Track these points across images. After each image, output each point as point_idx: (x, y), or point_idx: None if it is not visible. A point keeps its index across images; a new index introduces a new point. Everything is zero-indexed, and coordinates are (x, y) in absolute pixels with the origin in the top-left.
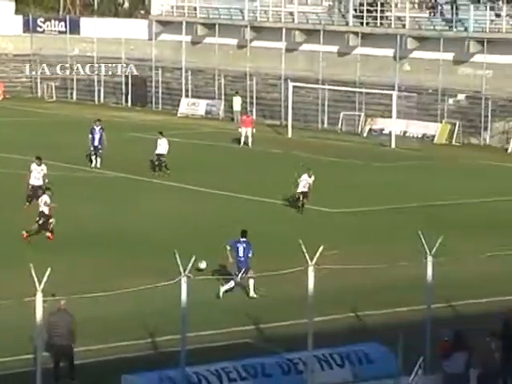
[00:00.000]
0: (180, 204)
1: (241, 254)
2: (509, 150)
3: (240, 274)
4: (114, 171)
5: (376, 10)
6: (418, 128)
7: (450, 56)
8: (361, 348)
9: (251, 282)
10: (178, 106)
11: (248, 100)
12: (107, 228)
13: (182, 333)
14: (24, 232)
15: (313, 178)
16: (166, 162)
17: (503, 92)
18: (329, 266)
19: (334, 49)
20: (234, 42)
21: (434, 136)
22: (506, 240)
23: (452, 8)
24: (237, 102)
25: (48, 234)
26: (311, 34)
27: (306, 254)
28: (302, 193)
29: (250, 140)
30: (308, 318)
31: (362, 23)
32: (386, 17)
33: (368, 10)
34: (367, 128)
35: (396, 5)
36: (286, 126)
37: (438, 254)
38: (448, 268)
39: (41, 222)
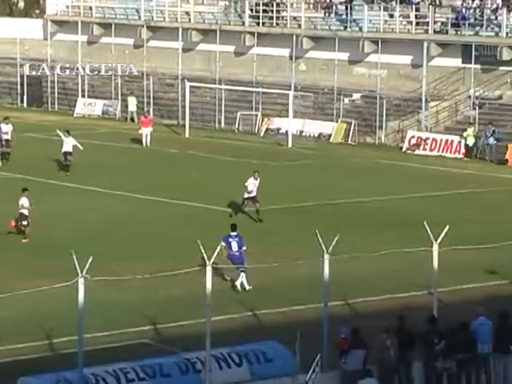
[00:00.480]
0: (79, 205)
1: (235, 248)
2: (403, 149)
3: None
4: (10, 172)
5: (272, 11)
6: (314, 127)
7: (345, 56)
8: (258, 347)
9: (243, 274)
10: (75, 106)
11: (145, 100)
12: (3, 230)
13: (79, 334)
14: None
15: (258, 180)
16: (72, 161)
17: (397, 91)
18: (226, 266)
19: (231, 48)
20: (130, 41)
21: (330, 135)
22: (400, 238)
23: (346, 8)
24: (132, 102)
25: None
26: (208, 33)
27: (205, 254)
28: (252, 198)
29: (148, 139)
30: (206, 317)
31: (258, 23)
32: (282, 17)
33: (264, 10)
34: (264, 127)
35: (291, 5)
36: (184, 125)
37: (335, 252)
38: (344, 266)
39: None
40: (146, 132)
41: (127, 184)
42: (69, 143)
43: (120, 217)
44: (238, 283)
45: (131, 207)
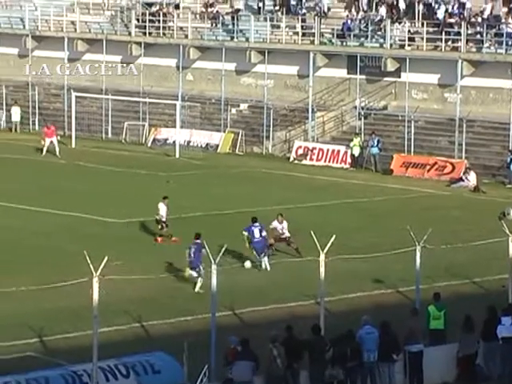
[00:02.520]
0: None
1: (257, 235)
2: (291, 159)
3: (261, 255)
4: None
5: (159, 20)
6: (201, 137)
7: (232, 66)
8: (146, 358)
9: (266, 258)
10: None
11: (30, 110)
12: None
13: None
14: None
15: (285, 222)
16: None
17: (284, 101)
18: (113, 277)
19: (118, 58)
20: (15, 51)
21: (217, 145)
22: (285, 248)
23: (233, 19)
24: (16, 112)
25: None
26: (94, 43)
27: (91, 265)
28: (285, 239)
29: (57, 149)
30: (93, 329)
31: (144, 33)
32: (169, 27)
33: (151, 20)
34: (151, 138)
35: (178, 15)
36: (70, 136)
37: (222, 262)
38: (232, 277)
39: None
40: (49, 142)
41: (10, 194)
42: None
43: (3, 229)
44: (263, 265)
45: (13, 219)
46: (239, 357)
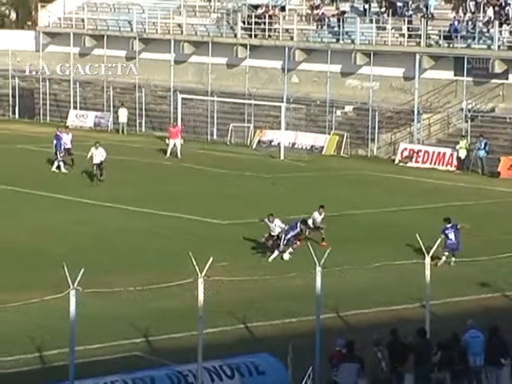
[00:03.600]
0: (71, 216)
1: (452, 237)
2: (396, 161)
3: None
4: (1, 184)
5: (264, 23)
6: (306, 139)
7: (337, 68)
8: (251, 359)
9: (453, 259)
10: (67, 117)
11: (137, 112)
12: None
13: (70, 346)
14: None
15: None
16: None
17: (389, 104)
18: (219, 278)
19: (223, 60)
20: (122, 53)
21: (322, 147)
22: (393, 250)
23: (339, 21)
24: (123, 114)
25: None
26: (200, 45)
27: (196, 266)
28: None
29: (178, 151)
30: (198, 329)
31: (250, 35)
32: (274, 29)
33: (256, 23)
34: (256, 140)
35: (284, 17)
36: None
37: (327, 264)
38: (336, 279)
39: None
40: (173, 143)
41: (121, 196)
42: (98, 155)
43: (114, 230)
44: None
45: (121, 220)
46: (344, 359)
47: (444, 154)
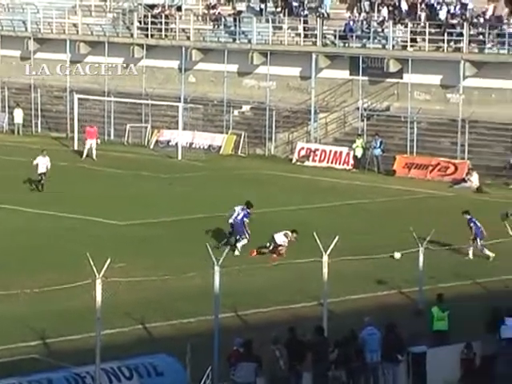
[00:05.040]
0: None
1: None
2: (293, 161)
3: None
4: None
5: (160, 23)
6: (204, 139)
7: (234, 68)
8: (149, 360)
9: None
10: None
11: (33, 112)
12: None
13: None
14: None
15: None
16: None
17: (286, 103)
18: (116, 279)
19: (120, 60)
20: (17, 53)
21: (220, 147)
22: (289, 249)
23: (235, 20)
24: (18, 115)
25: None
26: (96, 45)
27: (94, 267)
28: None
29: (94, 152)
30: (96, 331)
31: (146, 35)
32: (171, 29)
33: (152, 22)
34: (154, 140)
35: (180, 17)
36: (72, 138)
37: (226, 263)
38: (235, 278)
39: None
40: (90, 143)
41: (13, 198)
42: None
43: (9, 230)
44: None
45: (16, 221)
46: (242, 358)
47: (341, 152)
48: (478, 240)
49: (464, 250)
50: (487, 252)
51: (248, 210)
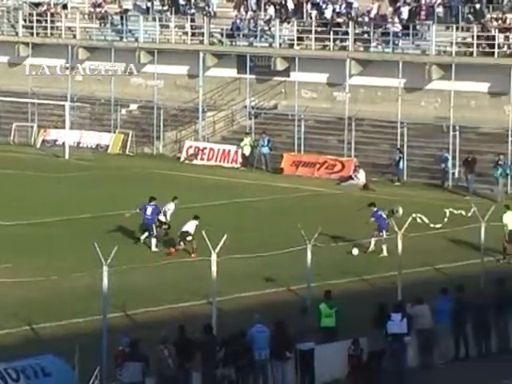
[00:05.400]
0: None
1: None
2: (181, 159)
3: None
4: None
5: (46, 21)
6: (91, 138)
7: (121, 66)
8: (37, 361)
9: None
10: None
11: None
12: None
13: None
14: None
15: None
16: None
17: (174, 102)
18: (2, 280)
19: (4, 59)
20: None
21: (107, 146)
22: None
23: (122, 19)
24: None
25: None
26: None
27: None
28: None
29: None
30: None
31: (32, 33)
32: (57, 27)
33: (38, 21)
34: (40, 139)
35: (66, 15)
36: None
37: (114, 263)
38: (125, 277)
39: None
40: None
41: None
42: None
43: None
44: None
45: None
46: (128, 358)
47: (229, 151)
48: (384, 232)
49: (365, 244)
50: (384, 248)
51: (154, 204)
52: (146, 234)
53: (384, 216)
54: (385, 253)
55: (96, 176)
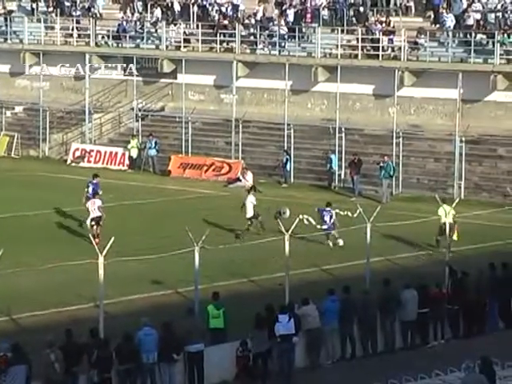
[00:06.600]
0: None
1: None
2: (68, 162)
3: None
4: None
5: None
6: None
7: (6, 68)
8: None
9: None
10: None
11: None
12: None
13: None
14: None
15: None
16: None
17: (61, 104)
18: None
19: None
20: None
21: None
22: (66, 250)
23: (6, 20)
24: None
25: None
26: None
27: None
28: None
29: None
30: None
31: None
32: None
33: None
34: None
35: None
36: None
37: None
38: (8, 281)
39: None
40: None
41: None
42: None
43: None
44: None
45: None
46: (10, 363)
47: (116, 153)
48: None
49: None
50: (338, 241)
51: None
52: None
53: (334, 217)
54: (331, 245)
55: None
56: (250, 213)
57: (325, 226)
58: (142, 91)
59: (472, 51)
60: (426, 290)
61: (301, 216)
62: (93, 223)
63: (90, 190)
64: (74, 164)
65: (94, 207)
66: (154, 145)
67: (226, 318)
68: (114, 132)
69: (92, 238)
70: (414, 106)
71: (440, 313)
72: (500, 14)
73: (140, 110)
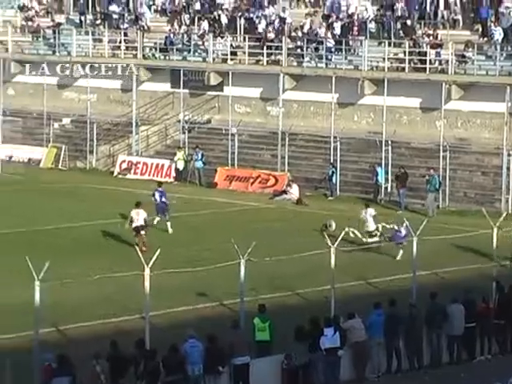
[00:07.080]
0: None
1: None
2: (115, 174)
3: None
4: None
5: None
6: (23, 153)
7: (54, 80)
8: None
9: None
10: None
11: None
12: None
13: None
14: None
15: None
16: None
17: (108, 116)
18: None
19: None
20: None
21: (40, 160)
22: (113, 262)
23: (54, 32)
24: None
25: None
26: None
27: None
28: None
29: None
30: None
31: None
32: None
33: None
34: None
35: None
36: None
37: (47, 278)
38: (57, 293)
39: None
40: None
41: None
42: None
43: None
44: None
45: None
46: (55, 374)
47: (162, 165)
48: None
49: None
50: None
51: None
52: (158, 218)
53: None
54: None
55: (28, 190)
56: (372, 226)
57: (400, 240)
58: (188, 103)
59: None
60: (473, 304)
61: (347, 229)
62: (134, 232)
63: (157, 196)
64: (120, 176)
65: (139, 217)
66: (200, 157)
67: (272, 331)
68: (161, 144)
69: (137, 247)
70: (461, 120)
71: (487, 327)
72: None
73: (186, 123)
